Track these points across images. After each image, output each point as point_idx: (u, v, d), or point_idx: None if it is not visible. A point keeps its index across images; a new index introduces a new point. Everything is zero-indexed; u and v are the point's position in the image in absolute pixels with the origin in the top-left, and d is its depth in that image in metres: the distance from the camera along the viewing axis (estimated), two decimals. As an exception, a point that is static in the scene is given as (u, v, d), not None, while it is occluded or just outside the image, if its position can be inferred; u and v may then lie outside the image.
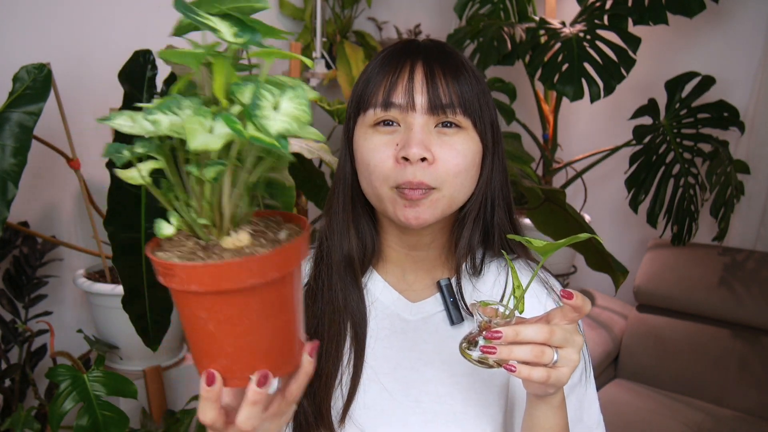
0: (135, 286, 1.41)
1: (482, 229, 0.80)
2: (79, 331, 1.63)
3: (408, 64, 0.72)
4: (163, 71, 1.60)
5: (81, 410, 1.33)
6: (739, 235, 2.14)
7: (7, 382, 1.59)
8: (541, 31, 1.97)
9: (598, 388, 2.14)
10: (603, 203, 2.44)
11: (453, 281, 0.79)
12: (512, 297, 0.61)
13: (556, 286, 0.85)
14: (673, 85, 2.00)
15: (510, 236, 0.67)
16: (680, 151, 1.98)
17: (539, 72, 1.92)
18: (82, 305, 1.83)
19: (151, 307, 1.42)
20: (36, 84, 1.29)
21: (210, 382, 0.50)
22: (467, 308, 0.78)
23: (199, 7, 0.48)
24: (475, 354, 0.60)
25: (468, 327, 0.78)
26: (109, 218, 1.33)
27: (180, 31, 0.50)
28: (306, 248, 0.51)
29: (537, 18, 2.06)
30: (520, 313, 0.60)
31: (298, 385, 0.56)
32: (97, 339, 1.67)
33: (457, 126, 0.72)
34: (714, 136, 1.96)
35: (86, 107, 1.73)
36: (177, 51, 0.46)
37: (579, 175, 2.21)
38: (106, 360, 1.64)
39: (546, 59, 1.91)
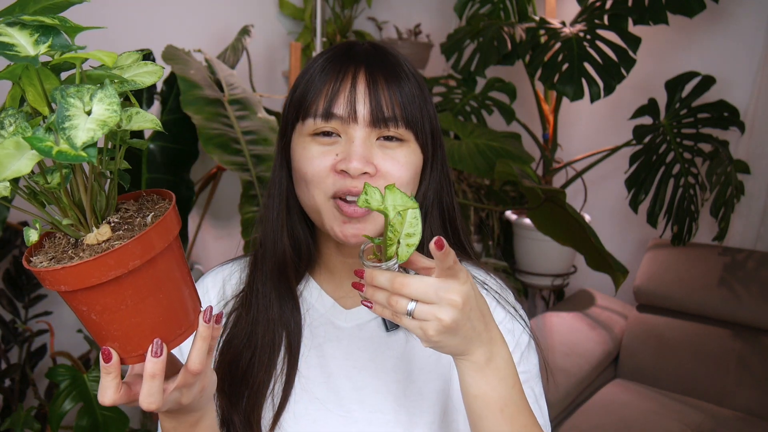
0: (135, 286, 1.41)
1: None
2: (79, 331, 1.63)
3: (350, 71, 0.70)
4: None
5: (81, 410, 1.33)
6: (739, 235, 2.14)
7: (7, 382, 1.59)
8: (541, 31, 1.97)
9: (597, 388, 2.14)
10: (603, 203, 2.44)
11: None
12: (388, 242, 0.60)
13: (489, 281, 0.82)
14: (673, 85, 2.00)
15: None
16: (680, 151, 1.98)
17: (539, 72, 1.92)
18: (82, 305, 1.83)
19: (151, 307, 1.42)
20: (36, 84, 1.29)
21: (107, 359, 0.51)
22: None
23: (14, 10, 0.47)
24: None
25: (402, 334, 0.78)
26: (108, 218, 1.33)
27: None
28: (173, 224, 0.52)
29: (537, 18, 2.06)
30: (399, 259, 0.58)
31: (196, 352, 0.55)
32: (97, 339, 1.67)
33: (399, 139, 0.71)
34: (714, 136, 1.96)
35: (86, 107, 1.73)
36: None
37: (579, 175, 2.21)
38: (106, 360, 1.64)
39: (546, 59, 1.91)
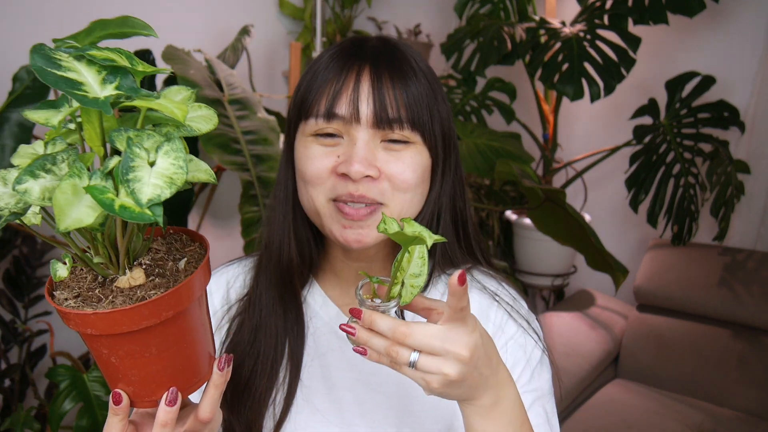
0: (135, 286, 1.40)
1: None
2: (79, 331, 1.63)
3: (354, 70, 0.67)
4: (163, 71, 1.60)
5: (81, 410, 1.33)
6: (739, 235, 2.14)
7: (7, 382, 1.59)
8: (541, 31, 1.97)
9: (597, 388, 2.14)
10: (603, 203, 2.44)
11: None
12: (395, 282, 0.55)
13: (501, 292, 0.78)
14: (674, 85, 2.00)
15: None
16: (680, 150, 1.98)
17: (539, 72, 1.92)
18: (82, 305, 1.83)
19: (151, 307, 1.42)
20: (36, 84, 1.29)
21: (117, 402, 0.50)
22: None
23: (79, 36, 0.45)
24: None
25: None
26: (108, 218, 1.33)
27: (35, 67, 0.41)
28: (207, 275, 0.51)
29: (537, 18, 2.06)
30: (402, 301, 0.54)
31: (209, 400, 0.54)
32: (97, 339, 1.67)
33: (405, 141, 0.68)
34: (714, 136, 1.96)
35: (86, 107, 1.73)
36: (39, 113, 0.43)
37: (579, 175, 2.21)
38: (106, 360, 1.64)
39: (546, 59, 1.91)
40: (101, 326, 0.45)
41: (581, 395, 1.94)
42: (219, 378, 0.54)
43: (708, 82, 1.95)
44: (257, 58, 2.29)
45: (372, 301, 0.55)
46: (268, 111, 1.88)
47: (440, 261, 0.76)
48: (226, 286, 0.81)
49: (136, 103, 0.43)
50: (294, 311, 0.75)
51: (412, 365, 0.52)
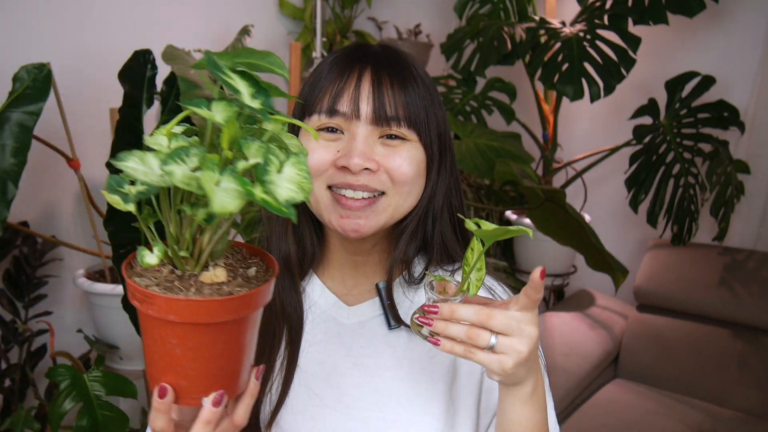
0: (135, 286, 1.40)
1: (421, 241, 0.78)
2: (79, 331, 1.63)
3: (356, 71, 0.71)
4: (163, 71, 1.60)
5: (81, 410, 1.33)
6: (739, 235, 2.14)
7: (7, 382, 1.59)
8: (541, 31, 1.97)
9: (597, 388, 2.14)
10: (603, 203, 2.44)
11: (394, 285, 0.78)
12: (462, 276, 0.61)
13: (497, 288, 0.84)
14: (673, 85, 2.00)
15: (466, 221, 0.61)
16: (680, 150, 1.98)
17: (539, 72, 1.92)
18: (82, 305, 1.83)
19: (151, 307, 1.42)
20: (36, 84, 1.29)
21: (162, 395, 0.52)
22: (399, 317, 0.77)
23: (221, 59, 0.51)
24: (419, 325, 0.61)
25: (404, 333, 0.78)
26: (109, 218, 1.33)
27: (198, 66, 0.51)
28: (271, 288, 0.54)
29: (537, 18, 2.06)
30: (469, 294, 0.59)
31: (245, 408, 0.57)
32: (97, 339, 1.67)
33: (402, 138, 0.72)
34: (714, 136, 1.96)
35: (86, 107, 1.73)
36: (204, 111, 0.49)
37: (579, 175, 2.21)
38: (106, 360, 1.64)
39: (546, 59, 1.91)
40: (185, 314, 0.47)
41: (581, 395, 1.95)
42: (255, 387, 0.57)
43: (708, 82, 1.95)
44: (257, 58, 2.29)
45: (441, 296, 0.60)
46: (268, 111, 1.88)
47: (438, 256, 0.79)
48: None
49: (279, 119, 0.51)
50: (293, 299, 0.78)
51: (491, 348, 0.57)
